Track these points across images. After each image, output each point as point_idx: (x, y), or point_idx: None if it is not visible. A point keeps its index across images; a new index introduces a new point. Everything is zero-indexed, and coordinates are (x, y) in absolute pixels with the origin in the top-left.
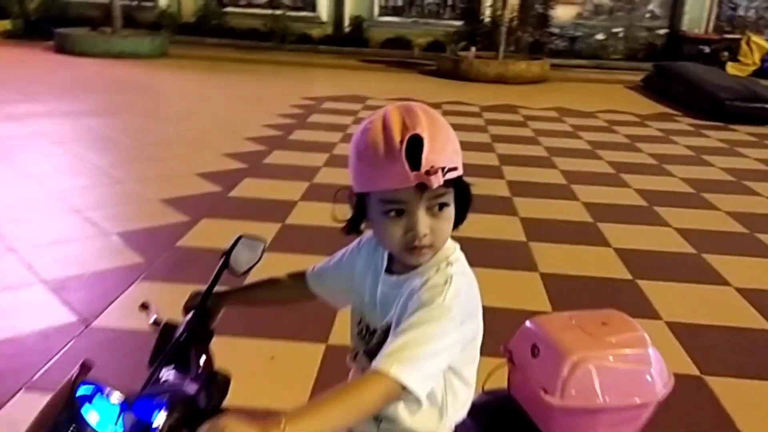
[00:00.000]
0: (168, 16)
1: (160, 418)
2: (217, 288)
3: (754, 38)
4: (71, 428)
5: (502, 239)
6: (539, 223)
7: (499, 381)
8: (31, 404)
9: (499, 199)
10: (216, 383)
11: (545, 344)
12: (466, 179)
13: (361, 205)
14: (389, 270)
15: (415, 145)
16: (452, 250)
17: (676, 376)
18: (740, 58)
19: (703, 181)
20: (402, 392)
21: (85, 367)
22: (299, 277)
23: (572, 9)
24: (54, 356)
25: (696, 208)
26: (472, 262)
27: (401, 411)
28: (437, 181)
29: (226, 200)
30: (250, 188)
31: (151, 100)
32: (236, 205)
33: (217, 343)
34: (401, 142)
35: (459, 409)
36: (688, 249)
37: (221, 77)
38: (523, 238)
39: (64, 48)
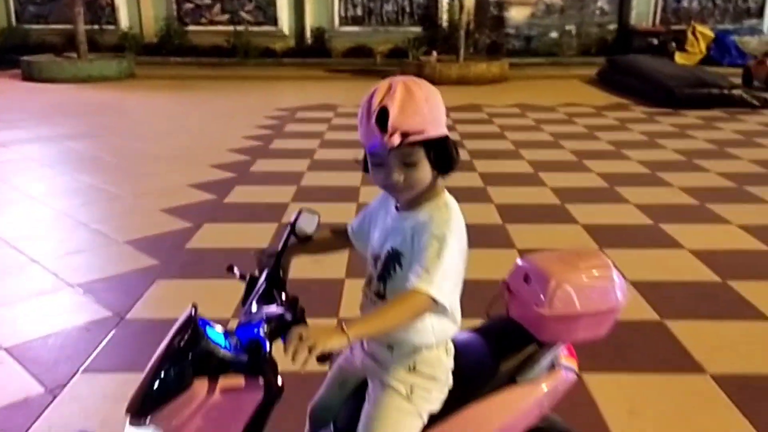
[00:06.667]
0: (130, 38)
1: (263, 329)
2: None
3: (699, 28)
4: (199, 343)
5: (481, 223)
6: (513, 208)
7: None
8: (91, 383)
9: (474, 189)
10: (296, 306)
11: (535, 272)
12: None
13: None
14: (397, 208)
15: (380, 116)
16: (445, 193)
17: (641, 323)
18: (687, 47)
19: (657, 162)
20: (433, 305)
21: (195, 307)
22: (343, 234)
23: (525, 9)
24: (100, 344)
25: (651, 186)
26: None
27: (408, 338)
28: (395, 142)
29: (222, 206)
30: (242, 194)
31: (129, 121)
32: (233, 210)
33: None
34: (374, 111)
35: (449, 325)
36: (646, 221)
37: (192, 95)
38: (499, 221)
39: (31, 75)
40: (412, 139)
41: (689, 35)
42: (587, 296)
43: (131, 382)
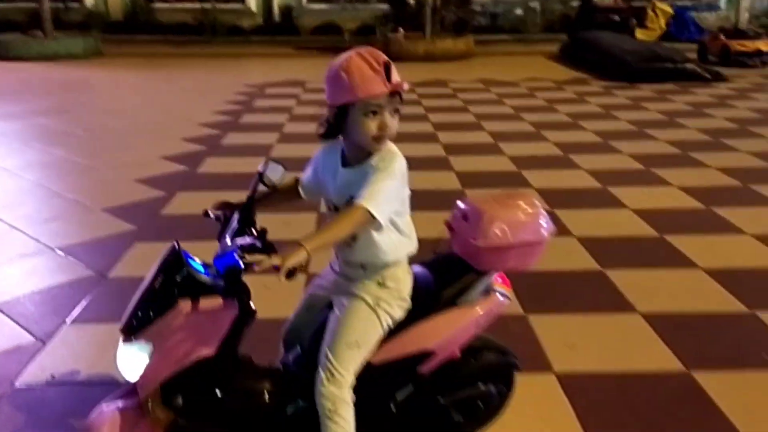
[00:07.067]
0: (96, 16)
1: (237, 254)
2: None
3: (659, 5)
4: (183, 269)
5: (441, 190)
6: (473, 175)
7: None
8: (78, 332)
9: (437, 159)
10: (265, 236)
11: (472, 211)
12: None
13: (341, 115)
14: (344, 165)
15: (386, 68)
16: (393, 146)
17: (585, 273)
18: (647, 24)
19: (611, 132)
20: (371, 219)
21: (177, 242)
22: (296, 188)
23: None
24: (84, 299)
25: (603, 153)
26: (417, 208)
27: (376, 256)
28: (406, 87)
29: (195, 176)
30: (214, 165)
31: (98, 98)
32: (205, 179)
33: None
34: (380, 64)
35: (407, 242)
36: (596, 184)
37: (161, 72)
38: (459, 187)
39: None
40: (407, 86)
41: (649, 12)
42: (517, 230)
43: (116, 331)
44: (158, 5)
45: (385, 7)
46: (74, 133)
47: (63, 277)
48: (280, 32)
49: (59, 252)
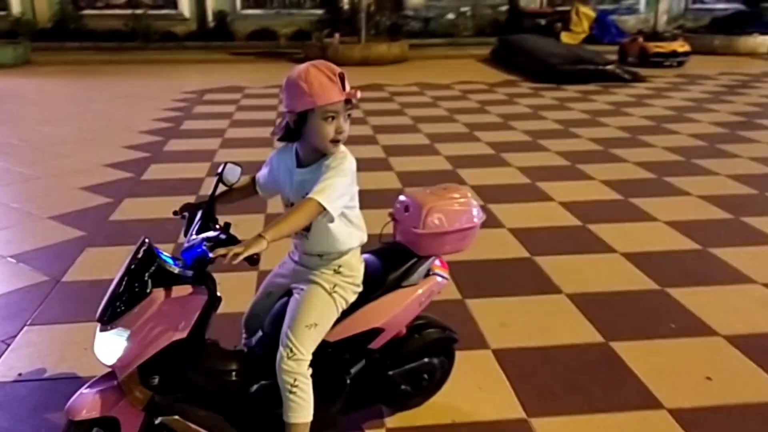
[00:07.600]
0: (23, 23)
1: (204, 245)
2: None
3: (582, 8)
4: (154, 263)
5: (382, 188)
6: (411, 174)
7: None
8: (40, 333)
9: (377, 160)
10: (228, 229)
11: (412, 203)
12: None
13: (300, 120)
14: (299, 165)
15: (341, 78)
16: (344, 147)
17: (516, 260)
18: (572, 27)
19: (538, 131)
20: (323, 211)
21: (149, 238)
22: (252, 186)
23: None
24: (42, 303)
25: (532, 151)
26: (362, 206)
27: (332, 246)
28: (359, 95)
29: (140, 183)
30: (158, 172)
31: (31, 107)
32: (151, 186)
33: None
34: (335, 75)
35: (358, 233)
36: (525, 180)
37: (94, 80)
38: (399, 186)
39: None
40: (360, 95)
41: (573, 15)
42: (452, 218)
43: (78, 330)
44: (87, 12)
45: (319, 12)
46: (11, 143)
47: (18, 283)
48: (215, 38)
49: (11, 260)
